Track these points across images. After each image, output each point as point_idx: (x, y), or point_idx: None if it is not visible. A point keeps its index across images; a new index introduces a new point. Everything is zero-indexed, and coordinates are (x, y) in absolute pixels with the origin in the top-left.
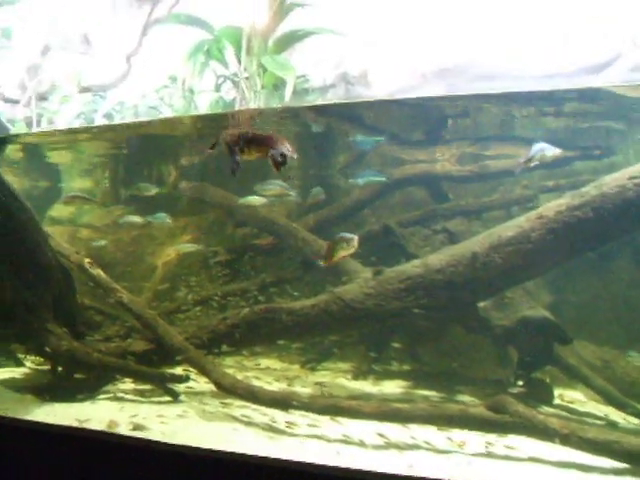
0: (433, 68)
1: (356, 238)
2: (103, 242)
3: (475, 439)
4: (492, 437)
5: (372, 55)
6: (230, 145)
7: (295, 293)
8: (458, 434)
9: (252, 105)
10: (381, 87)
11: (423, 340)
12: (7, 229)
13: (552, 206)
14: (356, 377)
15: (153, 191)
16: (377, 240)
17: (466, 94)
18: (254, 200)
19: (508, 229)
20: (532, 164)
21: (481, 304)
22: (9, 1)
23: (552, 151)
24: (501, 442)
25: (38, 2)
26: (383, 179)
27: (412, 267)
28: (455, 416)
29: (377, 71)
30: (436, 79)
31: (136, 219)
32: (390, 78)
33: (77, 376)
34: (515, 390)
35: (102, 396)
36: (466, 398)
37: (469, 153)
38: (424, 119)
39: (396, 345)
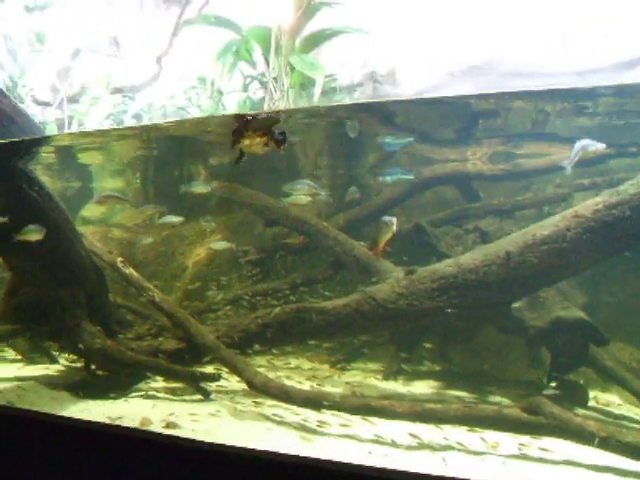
0: (461, 66)
1: (394, 219)
2: (150, 240)
3: (508, 440)
4: (526, 439)
5: (400, 54)
6: (233, 134)
7: (326, 293)
8: (491, 435)
9: (281, 105)
10: (409, 86)
11: (454, 340)
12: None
13: (589, 204)
14: (386, 377)
15: (205, 189)
16: (408, 239)
17: (497, 92)
18: (300, 199)
19: (543, 228)
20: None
21: (514, 304)
22: (40, 6)
23: (595, 147)
24: (535, 444)
25: (67, 7)
26: (411, 177)
27: (445, 266)
28: (489, 417)
29: (405, 70)
30: (464, 77)
31: (174, 219)
32: (418, 76)
33: (110, 374)
34: (548, 392)
35: (134, 394)
36: (498, 399)
37: (501, 152)
38: (455, 118)
39: (427, 345)
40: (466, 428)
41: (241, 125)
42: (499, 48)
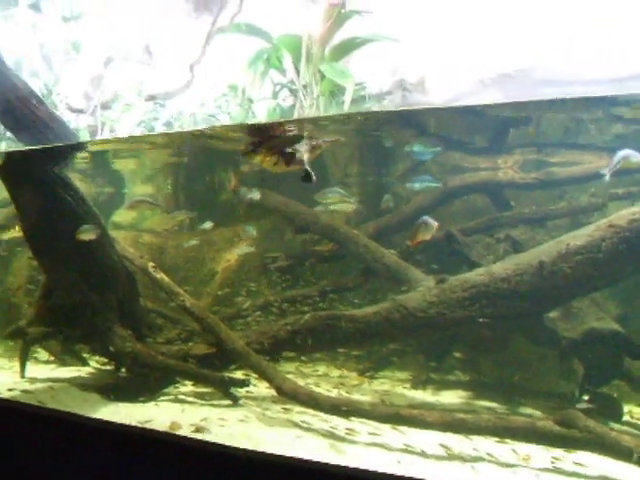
0: (492, 74)
1: (436, 225)
2: (194, 241)
3: (541, 453)
4: (559, 452)
5: (429, 61)
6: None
7: (356, 300)
8: (523, 447)
9: (311, 112)
10: (438, 94)
11: (485, 350)
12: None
13: (624, 214)
14: (415, 386)
15: (257, 195)
16: (439, 248)
17: (529, 100)
18: (344, 207)
19: (577, 238)
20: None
21: (547, 314)
22: (76, 15)
23: (637, 158)
24: (569, 458)
25: (101, 16)
26: (439, 185)
27: (476, 275)
28: (521, 429)
29: (434, 78)
30: (495, 85)
31: (209, 225)
32: (447, 85)
33: (139, 377)
34: (581, 405)
35: (163, 398)
36: (528, 411)
37: (533, 160)
38: (486, 126)
39: (457, 355)
40: (497, 439)
41: (261, 141)
42: (531, 56)
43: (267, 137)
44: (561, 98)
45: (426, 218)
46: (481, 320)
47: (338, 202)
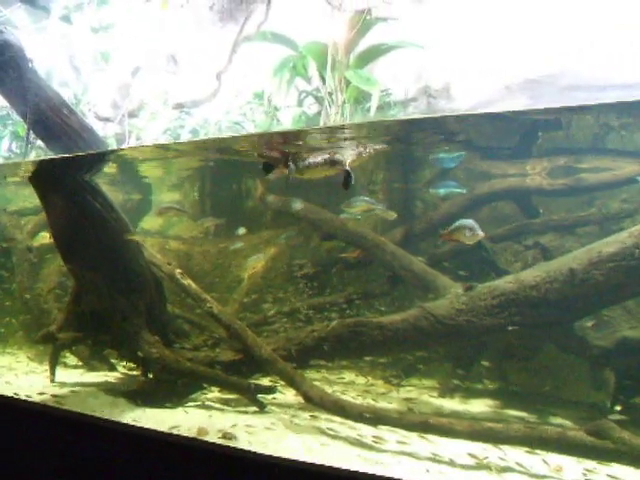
0: (518, 79)
1: (480, 235)
2: (239, 244)
3: (572, 464)
4: (592, 464)
5: (454, 67)
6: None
7: (383, 308)
8: (554, 458)
9: (336, 120)
10: (464, 100)
11: (513, 358)
12: (105, 239)
13: None
14: (442, 394)
15: (299, 205)
16: (466, 255)
17: (557, 106)
18: (388, 214)
19: (609, 245)
20: None
21: (578, 323)
22: (104, 27)
23: None
24: (603, 470)
25: (127, 27)
26: (464, 191)
27: (505, 283)
28: (552, 439)
29: (460, 84)
30: (521, 90)
31: (242, 231)
32: (473, 90)
33: (167, 383)
34: (613, 416)
35: (190, 403)
36: (559, 421)
37: (562, 166)
38: (513, 132)
39: (485, 363)
40: (527, 449)
41: (280, 158)
42: (557, 61)
43: (283, 158)
44: (590, 103)
45: (475, 225)
46: (510, 328)
47: (366, 210)
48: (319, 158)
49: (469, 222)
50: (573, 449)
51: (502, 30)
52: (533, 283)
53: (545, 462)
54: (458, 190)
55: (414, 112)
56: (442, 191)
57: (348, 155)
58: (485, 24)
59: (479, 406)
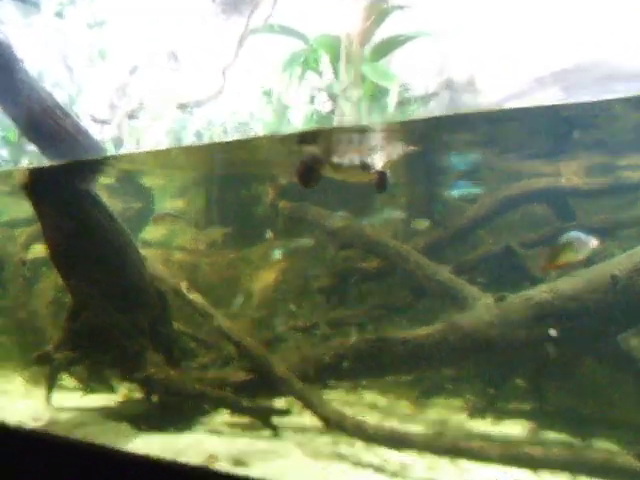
0: (550, 70)
1: (593, 243)
2: (279, 252)
3: None
4: None
5: (479, 59)
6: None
7: (406, 322)
8: None
9: (351, 118)
10: (491, 94)
11: (550, 376)
12: (105, 251)
13: None
14: (472, 415)
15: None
16: (497, 263)
17: (595, 99)
18: (419, 223)
19: None
20: None
21: (622, 335)
22: (100, 22)
23: None
24: None
25: (124, 22)
26: (479, 191)
27: (540, 293)
28: (597, 464)
29: (486, 76)
30: (553, 82)
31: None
32: (501, 83)
33: (173, 406)
34: None
35: (198, 427)
36: (602, 444)
37: (600, 164)
38: (546, 128)
39: (518, 381)
40: (568, 476)
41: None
42: (594, 48)
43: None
44: (630, 95)
45: (578, 234)
46: (546, 342)
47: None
48: (351, 160)
49: (575, 235)
50: (620, 475)
51: (531, 16)
52: (571, 292)
53: None
54: (474, 190)
55: (436, 108)
56: (456, 193)
57: (377, 158)
58: (512, 9)
59: (513, 428)
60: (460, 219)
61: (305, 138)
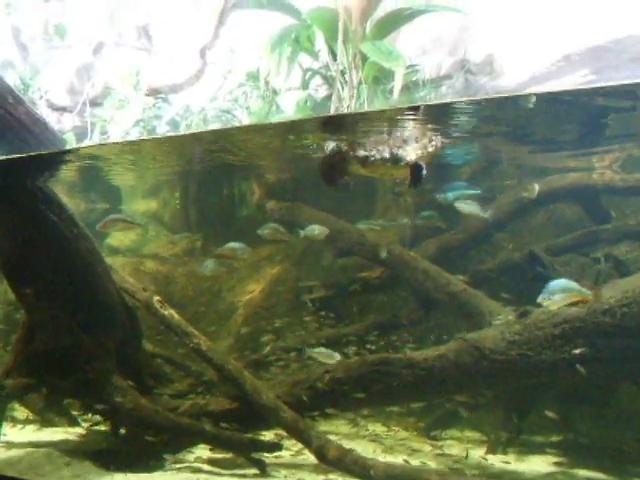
0: (580, 48)
1: None
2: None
3: None
4: None
5: (498, 35)
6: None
7: (413, 340)
8: None
9: (351, 105)
10: (512, 76)
11: (583, 403)
12: (64, 260)
13: None
14: (493, 450)
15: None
16: (518, 272)
17: (631, 81)
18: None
19: None
20: None
21: None
22: None
23: None
24: None
25: None
26: (477, 192)
27: (568, 307)
28: None
29: (505, 56)
30: (584, 62)
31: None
32: (523, 64)
33: (144, 440)
34: None
35: (174, 466)
36: None
37: (638, 157)
38: (575, 115)
39: (546, 409)
40: None
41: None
42: (629, 22)
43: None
44: None
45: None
46: (577, 364)
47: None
48: (380, 152)
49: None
50: None
51: None
52: (605, 306)
53: None
54: (470, 192)
55: (448, 93)
56: (451, 196)
57: (410, 150)
58: None
59: (540, 464)
60: (476, 221)
61: (328, 128)
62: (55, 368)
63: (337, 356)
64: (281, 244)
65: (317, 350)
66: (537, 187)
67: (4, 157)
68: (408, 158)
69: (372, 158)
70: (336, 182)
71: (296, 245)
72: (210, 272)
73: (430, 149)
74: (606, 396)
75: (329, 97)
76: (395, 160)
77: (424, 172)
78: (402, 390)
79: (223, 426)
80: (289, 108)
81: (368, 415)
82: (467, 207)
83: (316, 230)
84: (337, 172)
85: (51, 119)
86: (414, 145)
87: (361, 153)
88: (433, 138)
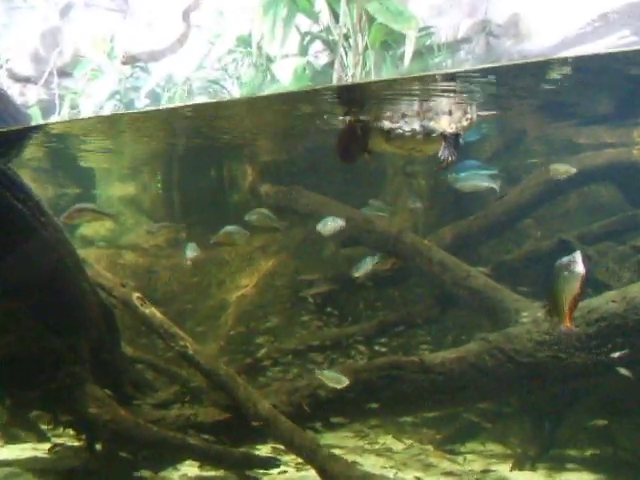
0: (619, 4)
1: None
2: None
3: None
4: None
5: None
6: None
7: (428, 340)
8: None
9: (356, 73)
10: (539, 38)
11: (622, 412)
12: (30, 253)
13: None
14: (520, 465)
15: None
16: (547, 262)
17: None
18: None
19: None
20: None
21: None
22: None
23: None
24: None
25: None
26: (494, 172)
27: (606, 302)
28: None
29: (532, 16)
30: (624, 20)
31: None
32: (552, 24)
33: (123, 456)
34: None
35: None
36: None
37: None
38: (613, 84)
39: (579, 419)
40: None
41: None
42: None
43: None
44: None
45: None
46: (617, 367)
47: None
48: (410, 124)
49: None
50: None
51: None
52: None
53: None
54: (486, 172)
55: (467, 59)
56: (462, 177)
57: (444, 122)
58: None
59: None
60: (497, 206)
61: (345, 99)
62: (20, 376)
63: (346, 381)
64: (277, 233)
65: (326, 373)
66: (569, 167)
67: None
68: (440, 130)
69: (399, 130)
70: (355, 159)
71: (294, 233)
72: (190, 257)
73: (465, 122)
74: None
75: (331, 65)
76: (427, 132)
77: (461, 139)
78: (416, 398)
79: (213, 439)
80: (285, 78)
81: (377, 426)
82: (467, 183)
83: (329, 222)
84: (358, 146)
85: (13, 91)
86: (447, 117)
87: (385, 124)
88: (468, 110)
